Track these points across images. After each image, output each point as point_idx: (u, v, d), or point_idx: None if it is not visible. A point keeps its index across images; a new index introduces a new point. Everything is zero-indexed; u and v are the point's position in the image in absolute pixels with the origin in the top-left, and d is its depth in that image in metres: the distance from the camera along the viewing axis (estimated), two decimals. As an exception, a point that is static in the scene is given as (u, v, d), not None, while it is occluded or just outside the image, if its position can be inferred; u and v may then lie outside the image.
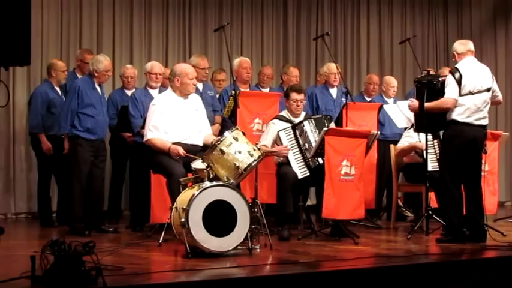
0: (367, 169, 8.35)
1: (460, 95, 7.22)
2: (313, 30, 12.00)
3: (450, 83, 7.28)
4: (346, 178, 7.58)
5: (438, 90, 7.38)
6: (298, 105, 8.02)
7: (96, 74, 7.99)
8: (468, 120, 7.25)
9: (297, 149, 7.83)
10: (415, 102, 7.51)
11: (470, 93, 7.24)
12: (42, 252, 4.80)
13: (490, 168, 8.53)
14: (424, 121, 7.43)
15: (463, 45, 7.51)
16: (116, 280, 4.90)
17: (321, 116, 8.30)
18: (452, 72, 7.32)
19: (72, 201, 7.88)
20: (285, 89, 9.36)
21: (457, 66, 7.35)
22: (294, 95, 8.00)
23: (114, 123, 8.71)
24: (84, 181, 7.89)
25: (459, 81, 7.22)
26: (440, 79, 7.51)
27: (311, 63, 11.97)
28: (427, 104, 7.35)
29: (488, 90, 7.37)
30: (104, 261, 5.27)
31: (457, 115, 7.25)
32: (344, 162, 7.57)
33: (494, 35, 12.99)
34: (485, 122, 7.38)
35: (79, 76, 8.95)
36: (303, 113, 8.18)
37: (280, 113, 8.21)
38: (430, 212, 7.89)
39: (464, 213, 7.34)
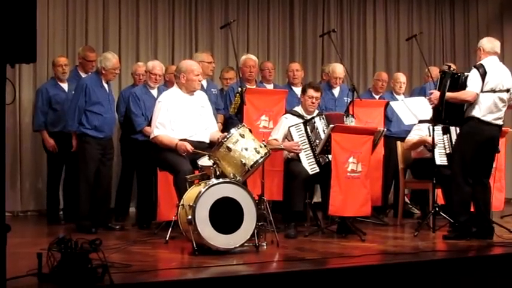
0: (373, 166, 8.34)
1: (482, 91, 7.20)
2: (320, 27, 11.99)
3: (474, 77, 7.24)
4: (352, 175, 7.57)
5: (461, 84, 7.36)
6: (313, 103, 8.02)
7: (104, 72, 7.99)
8: (487, 118, 7.23)
9: (308, 145, 7.83)
10: (435, 93, 7.47)
11: (493, 90, 7.22)
12: (49, 250, 4.81)
13: (497, 165, 8.47)
14: (443, 112, 7.39)
15: (491, 44, 7.43)
16: (123, 277, 4.91)
17: (342, 114, 8.27)
18: (477, 67, 7.28)
19: (79, 199, 7.89)
20: (290, 86, 9.42)
21: (481, 62, 7.32)
22: (311, 92, 8.00)
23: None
24: (92, 179, 7.89)
25: (483, 77, 7.20)
26: (465, 73, 7.48)
27: (317, 60, 11.99)
28: (448, 94, 7.31)
29: (508, 91, 7.35)
30: (111, 258, 5.28)
31: (477, 112, 7.22)
32: (351, 159, 7.56)
33: (501, 31, 12.92)
34: (501, 122, 7.38)
35: (82, 74, 8.96)
36: (316, 111, 8.17)
37: (294, 108, 8.22)
38: (437, 209, 7.88)
39: (472, 210, 7.33)
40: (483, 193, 7.33)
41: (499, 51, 7.47)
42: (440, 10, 13.09)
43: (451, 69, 7.74)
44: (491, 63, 7.33)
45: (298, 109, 8.14)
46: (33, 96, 9.62)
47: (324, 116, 7.97)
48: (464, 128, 7.37)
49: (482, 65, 7.28)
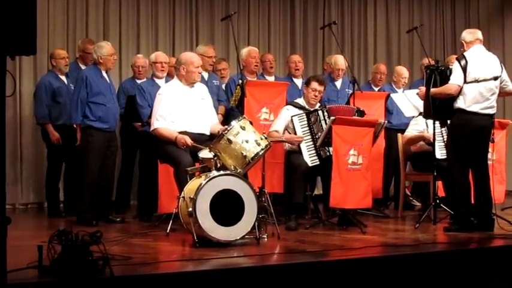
0: (374, 158, 8.33)
1: (466, 82, 7.19)
2: (320, 20, 11.98)
3: (455, 70, 7.26)
4: (353, 167, 7.57)
5: (446, 77, 7.37)
6: (315, 96, 8.00)
7: (101, 61, 7.97)
8: (474, 109, 7.21)
9: (309, 137, 7.81)
10: (422, 89, 7.52)
11: (476, 80, 7.20)
12: (50, 242, 4.79)
13: (498, 157, 8.50)
14: (431, 107, 7.41)
15: (471, 34, 7.46)
16: (123, 270, 4.90)
17: (353, 108, 8.27)
18: (458, 59, 7.32)
19: (82, 192, 7.87)
20: (291, 78, 9.40)
21: (464, 53, 7.33)
22: (315, 85, 7.98)
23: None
24: (96, 173, 7.87)
25: (464, 68, 7.20)
26: (450, 67, 7.51)
27: (318, 52, 11.98)
28: (432, 90, 7.35)
29: (495, 78, 7.31)
30: (112, 251, 5.26)
31: (463, 104, 7.22)
32: (351, 152, 7.56)
33: (502, 23, 12.92)
34: (492, 111, 7.33)
35: (82, 66, 8.97)
36: (318, 105, 8.15)
37: (295, 100, 8.21)
38: (438, 201, 7.88)
39: (473, 202, 7.33)
40: (482, 185, 7.32)
41: (481, 37, 7.46)
42: (441, 2, 13.07)
43: (438, 62, 7.78)
44: (474, 53, 7.32)
45: (300, 101, 8.13)
46: (34, 88, 9.61)
47: (326, 109, 7.95)
48: (452, 120, 7.40)
49: (464, 57, 7.29)
